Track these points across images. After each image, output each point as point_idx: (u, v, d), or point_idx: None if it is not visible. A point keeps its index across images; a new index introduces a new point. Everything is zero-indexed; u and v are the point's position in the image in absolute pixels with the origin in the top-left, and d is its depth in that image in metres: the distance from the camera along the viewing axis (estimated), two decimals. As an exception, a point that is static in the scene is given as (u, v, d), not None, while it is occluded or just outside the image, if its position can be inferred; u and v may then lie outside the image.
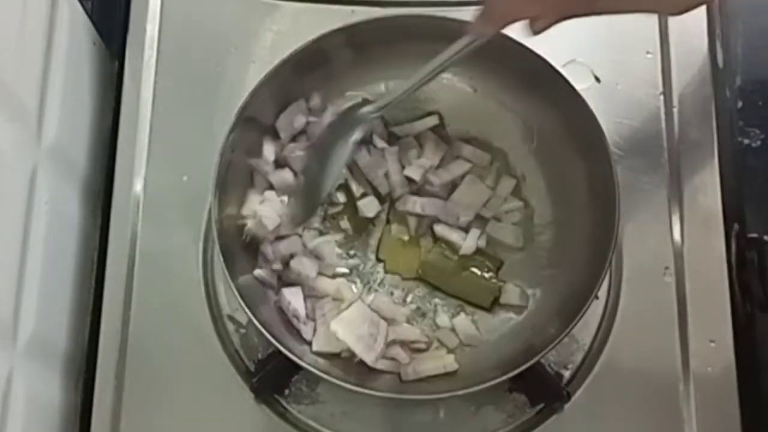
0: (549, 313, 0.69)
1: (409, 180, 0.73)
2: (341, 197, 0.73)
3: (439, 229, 0.73)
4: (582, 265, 0.68)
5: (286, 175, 0.71)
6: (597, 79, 0.76)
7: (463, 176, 0.74)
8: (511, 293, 0.71)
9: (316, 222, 0.73)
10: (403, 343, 0.69)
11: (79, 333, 0.72)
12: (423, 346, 0.70)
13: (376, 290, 0.72)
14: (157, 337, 0.71)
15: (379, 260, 0.73)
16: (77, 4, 0.73)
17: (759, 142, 0.75)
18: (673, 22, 0.78)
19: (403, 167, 0.73)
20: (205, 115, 0.76)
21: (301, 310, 0.69)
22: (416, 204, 0.73)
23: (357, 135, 0.68)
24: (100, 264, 0.73)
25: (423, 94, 0.74)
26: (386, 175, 0.73)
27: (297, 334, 0.69)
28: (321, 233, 0.73)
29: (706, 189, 0.74)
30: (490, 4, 0.58)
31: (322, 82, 0.73)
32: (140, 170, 0.75)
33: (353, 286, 0.72)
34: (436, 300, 0.72)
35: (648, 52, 0.77)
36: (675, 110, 0.76)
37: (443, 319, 0.71)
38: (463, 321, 0.71)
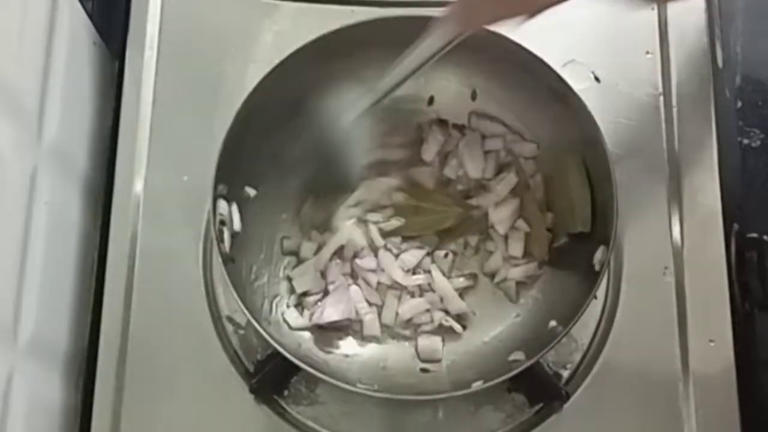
0: (547, 313, 0.69)
1: None
2: None
3: None
4: (581, 264, 0.68)
5: None
6: (597, 79, 0.76)
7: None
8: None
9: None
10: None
11: (79, 333, 0.72)
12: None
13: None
14: (157, 337, 0.71)
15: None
16: (77, 4, 0.73)
17: (759, 142, 0.75)
18: (673, 22, 0.78)
19: None
20: (205, 115, 0.75)
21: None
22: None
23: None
24: (100, 264, 0.73)
25: (421, 94, 0.75)
26: None
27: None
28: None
29: (706, 189, 0.74)
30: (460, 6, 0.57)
31: (322, 82, 0.73)
32: (140, 170, 0.75)
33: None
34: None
35: (648, 52, 0.77)
36: (675, 110, 0.76)
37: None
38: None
